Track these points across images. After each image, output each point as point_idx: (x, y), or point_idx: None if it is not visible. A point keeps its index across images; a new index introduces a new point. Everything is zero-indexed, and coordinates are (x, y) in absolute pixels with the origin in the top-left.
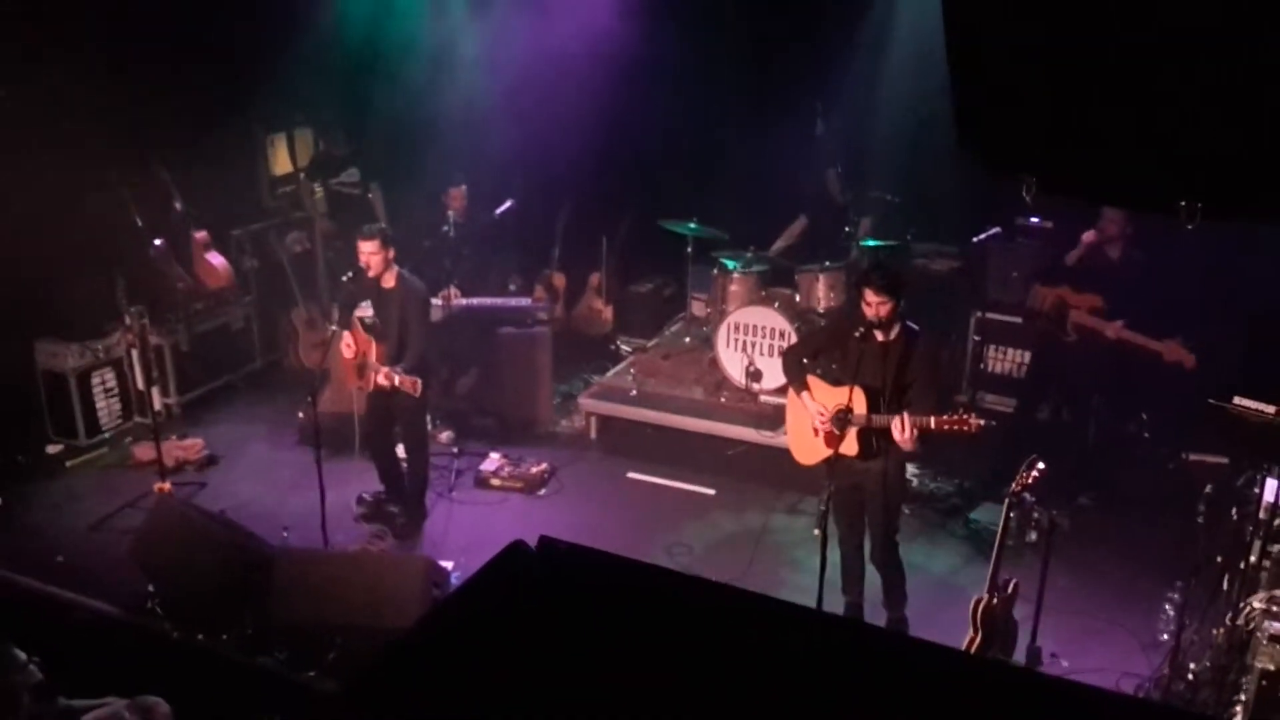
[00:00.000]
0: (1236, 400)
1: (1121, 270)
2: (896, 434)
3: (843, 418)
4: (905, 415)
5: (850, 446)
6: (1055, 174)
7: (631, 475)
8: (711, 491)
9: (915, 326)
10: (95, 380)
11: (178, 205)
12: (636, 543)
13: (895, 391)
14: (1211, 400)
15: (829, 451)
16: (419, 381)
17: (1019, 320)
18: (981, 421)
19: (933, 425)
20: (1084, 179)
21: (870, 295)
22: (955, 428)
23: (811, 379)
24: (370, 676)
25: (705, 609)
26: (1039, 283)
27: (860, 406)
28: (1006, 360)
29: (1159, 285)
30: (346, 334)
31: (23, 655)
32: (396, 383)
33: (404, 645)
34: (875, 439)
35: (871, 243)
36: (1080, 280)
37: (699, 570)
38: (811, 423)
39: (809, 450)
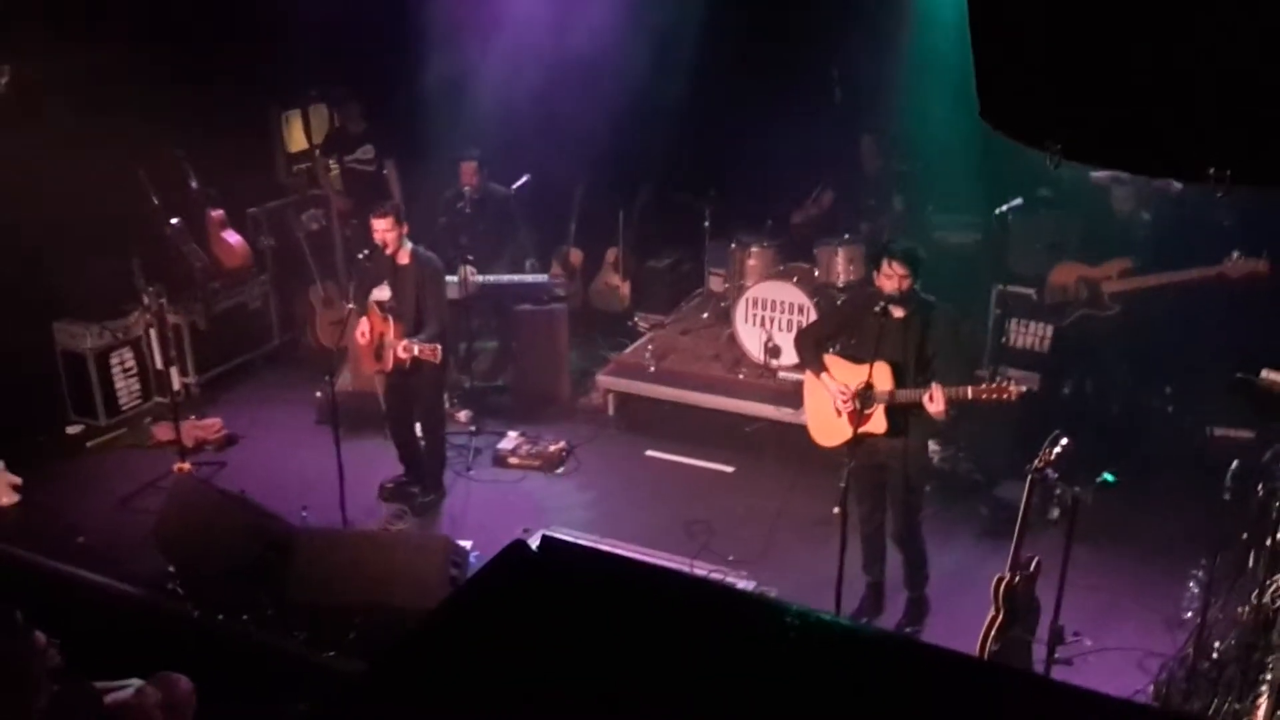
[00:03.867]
0: (1264, 373)
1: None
2: (929, 405)
3: (867, 395)
4: (936, 386)
5: (878, 424)
6: (1079, 140)
7: (650, 453)
8: (730, 469)
9: (931, 299)
10: (114, 360)
11: (193, 184)
12: (654, 521)
13: (919, 365)
14: (1239, 374)
15: (852, 432)
16: (438, 347)
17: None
18: (1022, 389)
19: (970, 396)
20: (1109, 145)
21: (895, 267)
22: (994, 397)
23: (829, 358)
24: (366, 683)
25: (705, 610)
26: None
27: (885, 382)
28: (1029, 334)
29: (1176, 224)
30: (362, 320)
31: (43, 638)
32: (416, 352)
33: (400, 649)
34: (902, 415)
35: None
36: (1089, 251)
37: (718, 549)
38: (833, 403)
39: (831, 432)
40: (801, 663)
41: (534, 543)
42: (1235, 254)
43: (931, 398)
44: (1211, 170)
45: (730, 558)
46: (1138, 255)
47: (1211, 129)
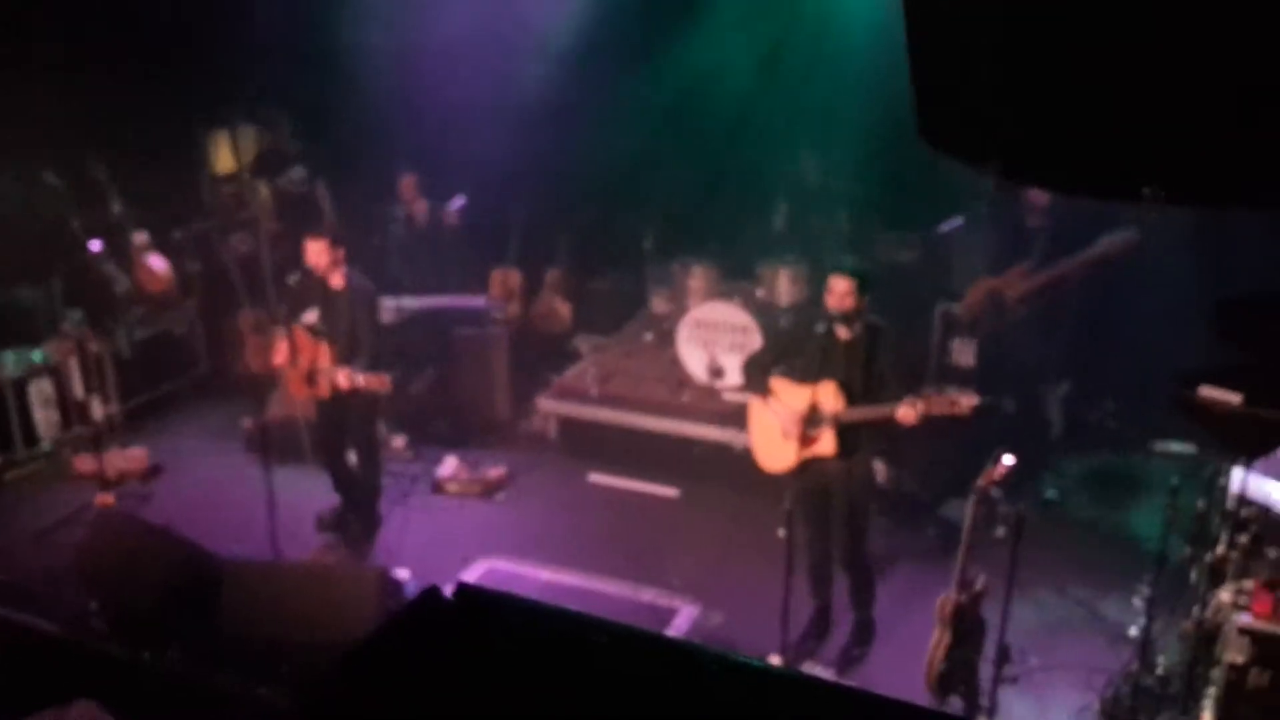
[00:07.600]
0: (1203, 389)
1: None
2: (903, 414)
3: (815, 417)
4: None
5: (826, 446)
6: (1018, 161)
7: (593, 477)
8: (675, 493)
9: (878, 321)
10: (32, 389)
11: (115, 206)
12: (598, 547)
13: (866, 385)
14: (1180, 390)
15: (798, 456)
16: (386, 377)
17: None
18: (974, 400)
19: (922, 409)
20: (1046, 166)
21: (838, 284)
22: (944, 410)
23: (776, 381)
24: None
25: (628, 658)
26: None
27: (834, 403)
28: (971, 353)
29: (1061, 220)
30: (283, 341)
31: None
32: (361, 382)
33: (312, 699)
34: (852, 435)
35: None
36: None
37: (663, 574)
38: (780, 427)
39: (777, 456)
40: (720, 710)
41: (470, 575)
42: (1106, 235)
43: (912, 405)
44: (1146, 190)
45: (675, 582)
46: (1036, 258)
47: (1146, 150)
